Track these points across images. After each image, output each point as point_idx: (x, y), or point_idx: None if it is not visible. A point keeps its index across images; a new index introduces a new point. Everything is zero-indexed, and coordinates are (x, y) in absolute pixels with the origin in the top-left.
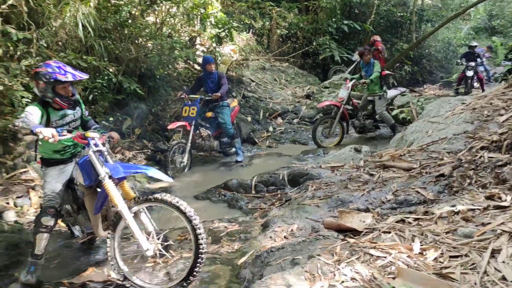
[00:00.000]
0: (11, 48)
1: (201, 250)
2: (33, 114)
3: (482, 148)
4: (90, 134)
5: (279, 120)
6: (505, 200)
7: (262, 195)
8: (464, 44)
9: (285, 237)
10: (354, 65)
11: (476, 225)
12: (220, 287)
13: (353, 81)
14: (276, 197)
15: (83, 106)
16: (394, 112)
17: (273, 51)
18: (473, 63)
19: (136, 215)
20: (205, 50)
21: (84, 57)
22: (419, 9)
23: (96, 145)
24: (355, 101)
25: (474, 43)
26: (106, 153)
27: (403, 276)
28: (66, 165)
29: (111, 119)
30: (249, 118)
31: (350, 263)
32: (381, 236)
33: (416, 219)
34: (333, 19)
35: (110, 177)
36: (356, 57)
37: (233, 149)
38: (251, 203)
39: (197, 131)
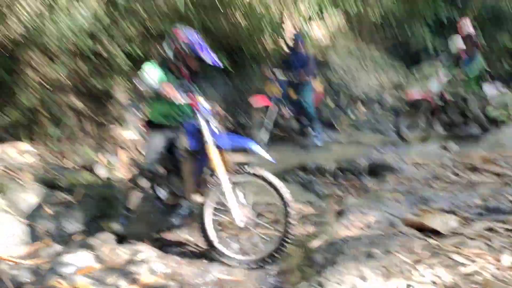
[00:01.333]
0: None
1: (289, 232)
2: (154, 70)
3: None
4: (201, 100)
5: (362, 107)
6: None
7: (339, 182)
8: None
9: (361, 228)
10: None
11: None
12: (291, 267)
13: (449, 77)
14: (353, 186)
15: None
16: (489, 113)
17: (364, 38)
18: None
19: (233, 186)
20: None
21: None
22: None
23: (206, 112)
24: (447, 95)
25: None
26: (213, 124)
27: None
28: (170, 131)
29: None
30: (331, 103)
31: (430, 265)
32: (466, 242)
33: (507, 230)
34: (431, 7)
35: (215, 144)
36: (453, 46)
37: (313, 132)
38: (327, 188)
39: (279, 110)
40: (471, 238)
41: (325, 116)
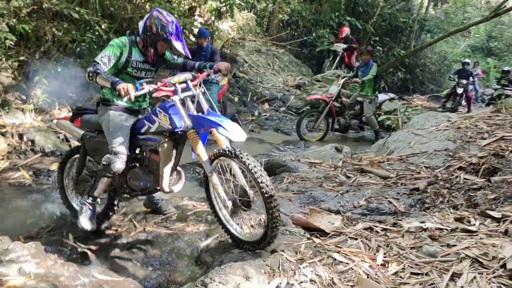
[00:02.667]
0: None
1: (275, 221)
2: (110, 56)
3: (460, 168)
4: (177, 79)
5: (266, 105)
6: (474, 225)
7: None
8: (459, 60)
9: (251, 226)
10: (338, 58)
11: (442, 245)
12: (179, 268)
13: (345, 78)
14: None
15: (168, 54)
16: (380, 118)
17: (272, 35)
18: (464, 81)
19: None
20: (203, 23)
21: (77, 8)
22: (422, 18)
23: (188, 88)
24: (344, 99)
25: (467, 60)
26: (200, 95)
27: (362, 286)
28: (132, 114)
29: None
30: (236, 99)
31: (312, 264)
32: (347, 241)
33: (384, 229)
34: (336, 13)
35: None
36: (338, 48)
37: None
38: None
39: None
40: (352, 238)
41: (229, 112)
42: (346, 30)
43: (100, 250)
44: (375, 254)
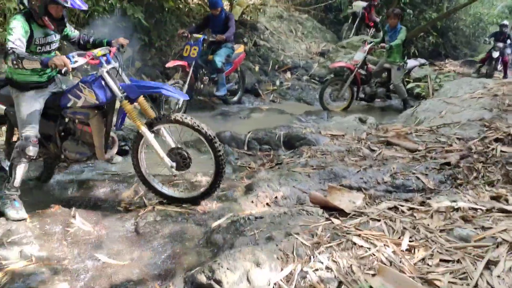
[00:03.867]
0: None
1: (221, 167)
2: (21, 37)
3: (496, 140)
4: (100, 52)
5: (288, 74)
6: None
7: (254, 153)
8: (495, 22)
9: (267, 204)
10: (358, 19)
11: (475, 228)
12: (187, 248)
13: (372, 44)
14: (267, 158)
15: (68, 26)
16: (409, 86)
17: (294, 0)
18: (501, 44)
19: (156, 133)
20: None
21: None
22: None
23: (108, 61)
24: (371, 66)
25: (505, 22)
26: (119, 68)
27: (384, 275)
28: (43, 89)
29: None
30: (256, 68)
31: (329, 248)
32: (369, 223)
33: (410, 209)
34: None
35: (126, 96)
36: (357, 8)
37: (234, 98)
38: (241, 159)
39: (197, 74)
40: (375, 219)
41: (248, 82)
42: None
43: (106, 230)
44: (399, 238)
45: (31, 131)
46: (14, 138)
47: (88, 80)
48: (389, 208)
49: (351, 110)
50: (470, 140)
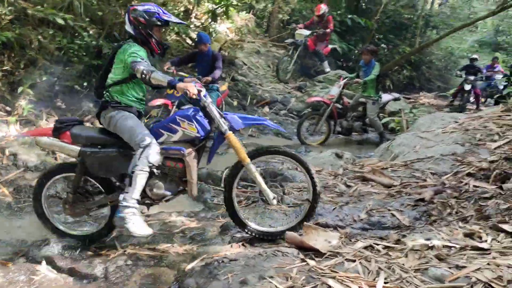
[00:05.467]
0: None
1: (316, 199)
2: (145, 58)
3: (468, 174)
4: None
5: (266, 109)
6: (485, 241)
7: None
8: (466, 56)
9: (243, 244)
10: (300, 48)
11: (450, 267)
12: None
13: (346, 79)
14: (244, 195)
15: None
16: (384, 120)
17: (272, 36)
18: (472, 77)
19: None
20: (200, 25)
21: (62, 14)
22: (427, 14)
23: (206, 95)
24: (346, 100)
25: (475, 56)
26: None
27: None
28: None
29: (85, 83)
30: (235, 103)
31: None
32: (344, 264)
33: (386, 247)
34: (338, 11)
35: (230, 128)
36: (300, 37)
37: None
38: (218, 197)
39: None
40: (350, 260)
41: None
42: (324, 7)
43: (73, 276)
44: (374, 279)
45: (149, 138)
46: None
47: (188, 114)
48: (365, 247)
49: (328, 144)
50: (444, 175)
